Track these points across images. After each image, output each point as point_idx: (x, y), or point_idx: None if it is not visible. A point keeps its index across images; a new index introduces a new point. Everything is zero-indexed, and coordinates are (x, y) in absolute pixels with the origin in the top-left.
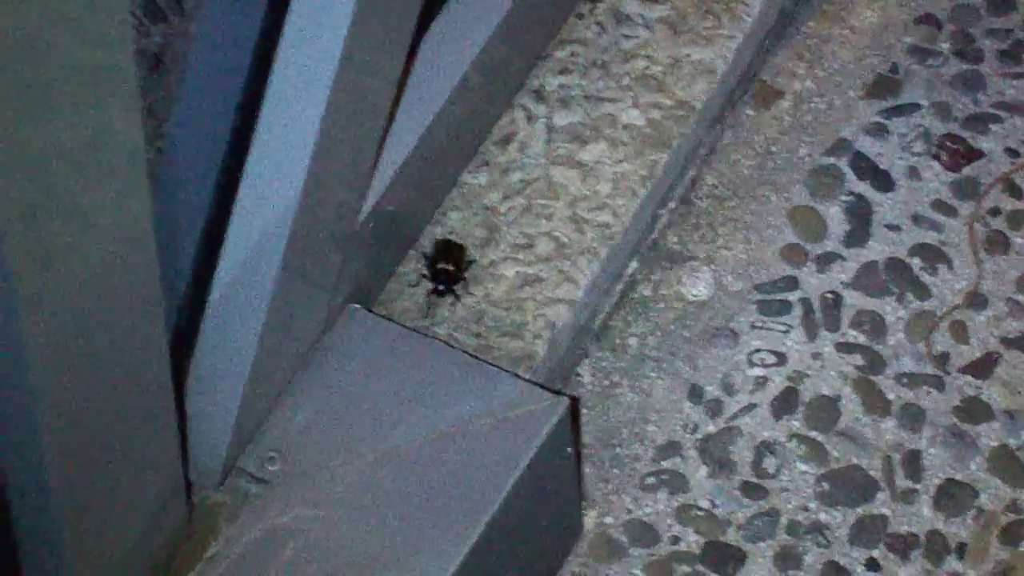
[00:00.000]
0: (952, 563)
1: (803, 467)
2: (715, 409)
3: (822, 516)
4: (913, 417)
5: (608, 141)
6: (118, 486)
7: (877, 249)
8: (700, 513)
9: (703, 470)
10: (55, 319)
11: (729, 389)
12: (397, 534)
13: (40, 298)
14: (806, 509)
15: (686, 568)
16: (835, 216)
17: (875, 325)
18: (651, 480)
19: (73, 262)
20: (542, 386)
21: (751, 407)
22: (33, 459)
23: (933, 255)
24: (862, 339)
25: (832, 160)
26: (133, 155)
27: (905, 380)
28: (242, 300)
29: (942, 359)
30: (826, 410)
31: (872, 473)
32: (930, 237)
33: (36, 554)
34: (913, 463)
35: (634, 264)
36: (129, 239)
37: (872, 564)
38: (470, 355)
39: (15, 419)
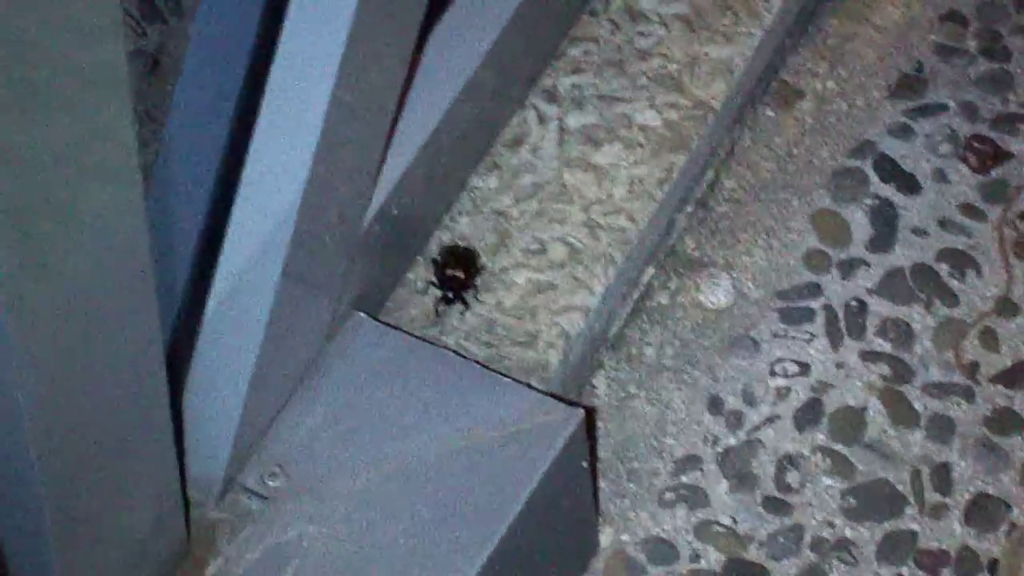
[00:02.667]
0: None
1: (828, 481)
2: (736, 421)
3: (848, 532)
4: (942, 429)
5: (623, 143)
6: (112, 504)
7: (903, 255)
8: (721, 529)
9: (724, 485)
10: (43, 328)
11: (750, 400)
12: (405, 552)
13: (27, 305)
14: (831, 525)
15: None
16: (859, 220)
17: (902, 333)
18: (670, 495)
19: (63, 267)
20: (556, 397)
21: (773, 419)
22: (20, 477)
23: (961, 260)
24: (888, 348)
25: (856, 162)
26: (126, 156)
27: (933, 390)
28: (242, 307)
29: (972, 368)
30: (851, 422)
31: (900, 487)
32: (958, 242)
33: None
34: (943, 477)
35: (651, 271)
36: (123, 244)
37: None
38: (481, 365)
39: (2, 433)
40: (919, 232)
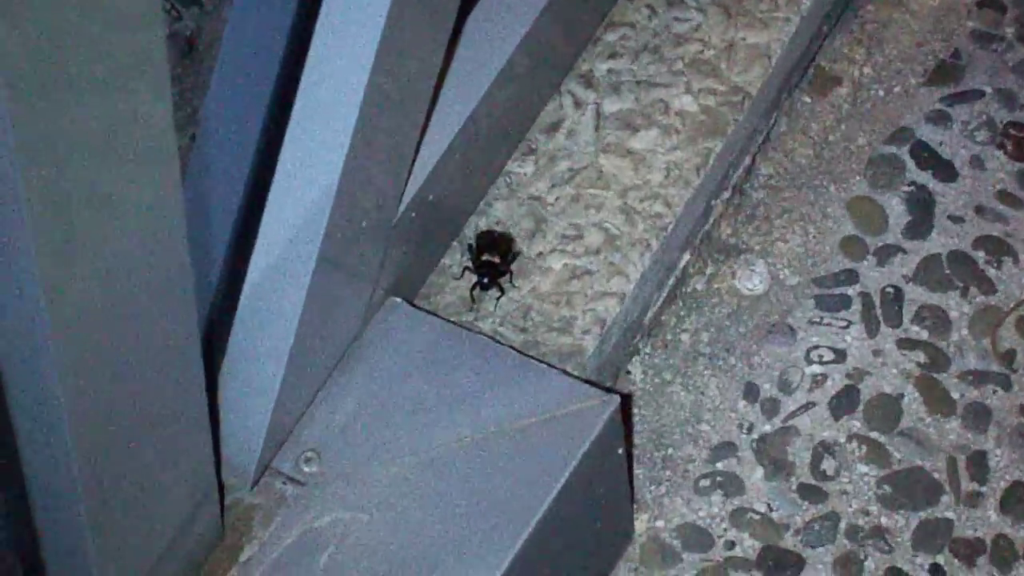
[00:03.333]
0: (1020, 570)
1: (864, 469)
2: (771, 408)
3: (884, 520)
4: (978, 417)
5: (660, 128)
6: (148, 488)
7: (940, 241)
8: (756, 517)
9: (759, 472)
10: (81, 312)
11: (786, 387)
12: (440, 539)
13: (66, 290)
14: (867, 513)
15: (742, 574)
16: (896, 207)
17: (938, 321)
18: (705, 482)
19: (101, 253)
20: (592, 383)
21: (809, 406)
22: (58, 461)
23: (998, 248)
24: (925, 335)
25: (892, 149)
26: (164, 142)
27: (970, 378)
28: (277, 293)
29: (1008, 356)
30: (887, 409)
31: (936, 475)
32: (995, 229)
33: (63, 561)
34: (979, 465)
35: (687, 257)
36: (160, 229)
37: (936, 570)
38: (516, 351)
39: (40, 418)
40: (956, 219)
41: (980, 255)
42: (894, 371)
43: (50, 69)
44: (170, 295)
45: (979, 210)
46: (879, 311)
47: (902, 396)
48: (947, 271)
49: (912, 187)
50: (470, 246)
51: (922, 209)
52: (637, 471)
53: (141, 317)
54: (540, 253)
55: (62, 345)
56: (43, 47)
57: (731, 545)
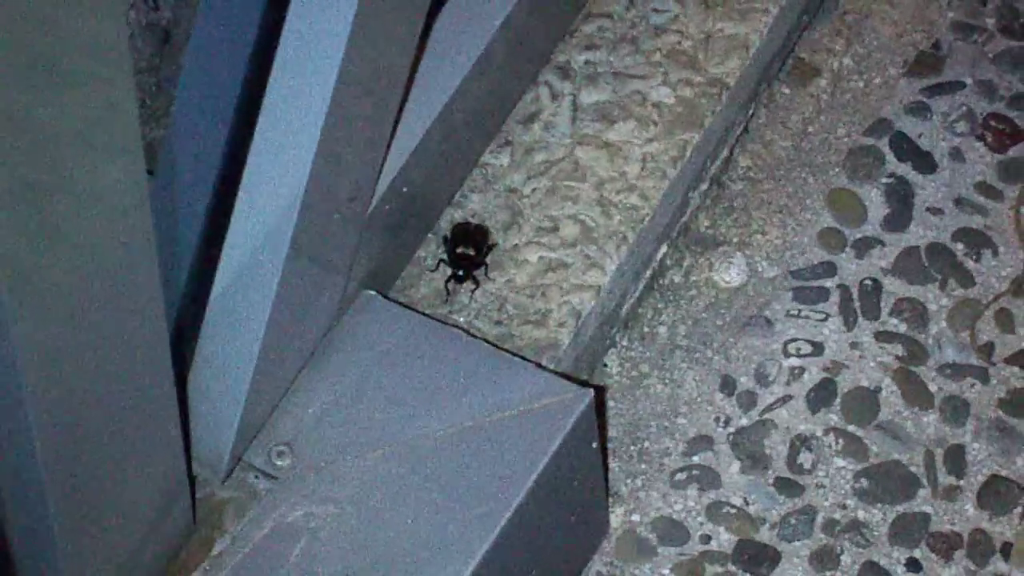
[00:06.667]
0: (997, 564)
1: (841, 462)
2: (748, 401)
3: (860, 514)
4: (956, 410)
5: (637, 120)
6: (117, 483)
7: (918, 234)
8: (732, 510)
9: (735, 465)
10: (47, 304)
11: (763, 380)
12: (413, 532)
13: (30, 282)
14: (844, 507)
15: (718, 568)
16: (875, 199)
17: (916, 313)
18: (681, 476)
19: (67, 243)
20: (566, 377)
21: (786, 399)
22: (25, 455)
23: (977, 240)
24: (903, 328)
25: (872, 141)
26: (128, 131)
27: (948, 371)
28: (249, 285)
29: (987, 349)
30: (865, 402)
31: (913, 469)
32: (974, 221)
33: (32, 558)
34: (956, 458)
35: (664, 249)
36: (125, 217)
37: (913, 564)
38: (491, 344)
39: (4, 411)
40: (935, 211)
41: (959, 247)
42: (872, 364)
43: (12, 56)
44: (137, 286)
45: (958, 202)
46: (857, 304)
47: (879, 389)
48: (926, 263)
49: (891, 179)
50: (445, 238)
51: (901, 201)
52: (613, 464)
53: (107, 308)
54: (516, 245)
55: (27, 337)
56: (5, 33)
57: (707, 539)
